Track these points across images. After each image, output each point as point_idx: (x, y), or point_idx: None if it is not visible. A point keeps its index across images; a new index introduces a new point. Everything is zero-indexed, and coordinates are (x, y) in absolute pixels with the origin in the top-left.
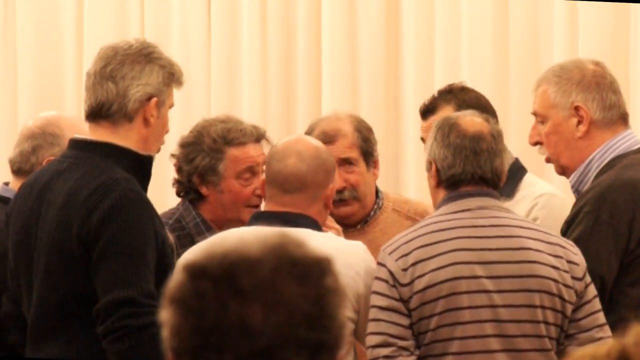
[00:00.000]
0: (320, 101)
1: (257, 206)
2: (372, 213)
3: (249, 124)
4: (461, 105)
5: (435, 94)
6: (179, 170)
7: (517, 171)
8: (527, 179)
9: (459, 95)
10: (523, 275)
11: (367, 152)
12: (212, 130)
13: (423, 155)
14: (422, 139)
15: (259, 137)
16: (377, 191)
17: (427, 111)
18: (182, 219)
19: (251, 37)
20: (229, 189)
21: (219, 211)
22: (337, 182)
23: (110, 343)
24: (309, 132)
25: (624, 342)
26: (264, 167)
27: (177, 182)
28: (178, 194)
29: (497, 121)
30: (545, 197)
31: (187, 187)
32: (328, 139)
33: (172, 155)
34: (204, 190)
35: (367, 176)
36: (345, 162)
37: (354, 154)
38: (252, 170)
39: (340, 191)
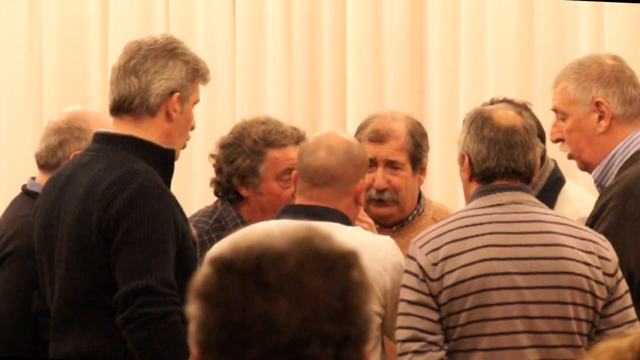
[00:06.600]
0: (345, 99)
1: None
2: (410, 217)
3: (289, 125)
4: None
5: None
6: (218, 170)
7: (555, 183)
8: (565, 193)
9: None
10: (555, 271)
11: (416, 157)
12: (253, 131)
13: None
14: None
15: (298, 139)
16: (420, 196)
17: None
18: (222, 218)
19: (276, 35)
20: (268, 191)
21: (258, 213)
22: (379, 182)
23: (129, 332)
24: (362, 126)
25: None
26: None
27: (216, 183)
28: (216, 194)
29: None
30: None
31: (226, 188)
32: (379, 137)
33: (212, 156)
34: (243, 191)
35: (411, 181)
36: (392, 164)
37: (402, 158)
38: (291, 172)
39: (380, 191)
